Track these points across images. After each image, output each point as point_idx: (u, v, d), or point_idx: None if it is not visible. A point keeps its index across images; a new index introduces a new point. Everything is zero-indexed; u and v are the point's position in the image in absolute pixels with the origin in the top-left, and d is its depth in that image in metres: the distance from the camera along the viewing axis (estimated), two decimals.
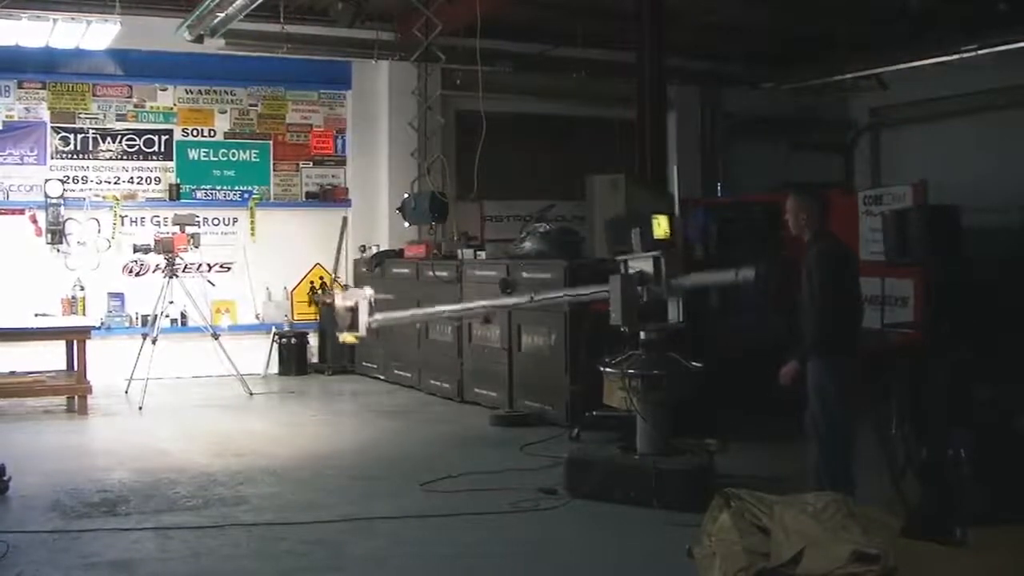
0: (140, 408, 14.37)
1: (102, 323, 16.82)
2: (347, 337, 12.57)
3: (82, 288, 16.92)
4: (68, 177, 17.08)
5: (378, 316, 12.36)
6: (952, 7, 16.64)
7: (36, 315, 15.95)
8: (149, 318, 15.93)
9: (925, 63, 17.92)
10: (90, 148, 17.32)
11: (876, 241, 13.59)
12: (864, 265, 14.02)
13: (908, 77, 19.11)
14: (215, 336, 15.80)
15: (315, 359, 18.20)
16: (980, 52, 16.78)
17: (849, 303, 8.70)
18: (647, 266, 9.61)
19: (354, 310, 12.14)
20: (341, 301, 12.77)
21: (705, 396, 10.29)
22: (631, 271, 9.72)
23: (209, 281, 17.24)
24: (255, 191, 18.26)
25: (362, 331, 12.25)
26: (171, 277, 15.47)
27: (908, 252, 10.10)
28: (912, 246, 9.93)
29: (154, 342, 15.02)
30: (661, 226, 9.67)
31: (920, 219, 10.12)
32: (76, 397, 14.33)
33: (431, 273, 15.32)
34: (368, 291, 12.49)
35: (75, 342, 14.62)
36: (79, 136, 17.28)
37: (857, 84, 20.67)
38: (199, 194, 17.95)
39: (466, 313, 13.17)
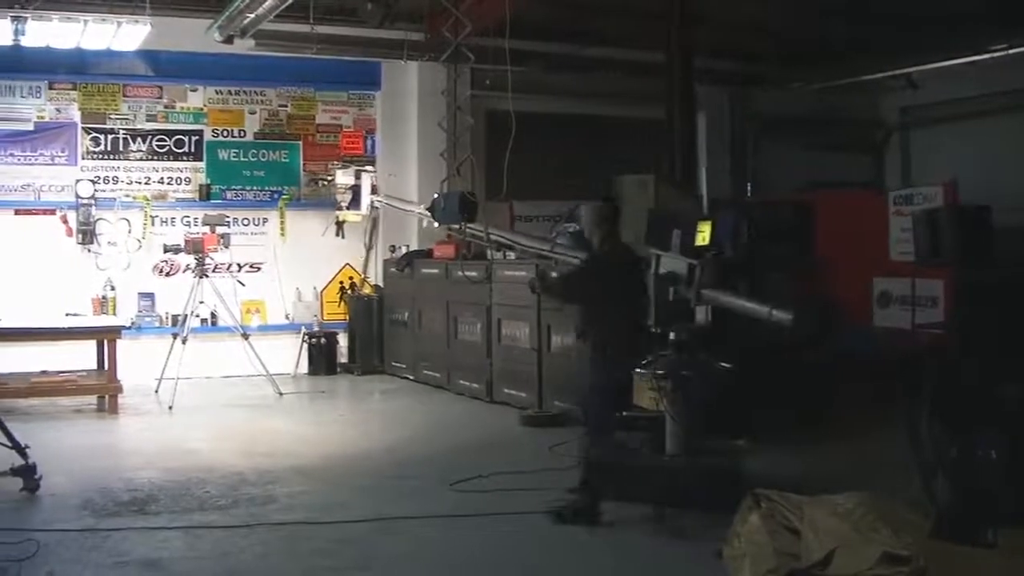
0: (170, 408, 14.43)
1: (132, 323, 16.89)
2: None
3: (112, 288, 17.01)
4: (99, 177, 17.19)
5: None
6: (982, 6, 16.55)
7: (67, 315, 16.03)
8: (179, 318, 15.98)
9: (955, 62, 17.85)
10: (120, 149, 17.42)
11: (906, 241, 13.55)
12: (894, 265, 14.04)
13: (938, 76, 19.04)
14: (245, 336, 15.83)
15: (344, 359, 18.22)
16: (1011, 51, 16.70)
17: (624, 308, 9.18)
18: (680, 268, 9.58)
19: None
20: None
21: (737, 396, 10.30)
22: (663, 270, 9.71)
23: (239, 281, 17.26)
24: (285, 191, 18.31)
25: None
26: (201, 277, 15.51)
27: (938, 252, 10.05)
28: (942, 246, 9.89)
29: (184, 342, 15.06)
30: (704, 234, 9.63)
31: (950, 219, 10.08)
32: (107, 396, 14.39)
33: (460, 273, 15.31)
34: None
35: (106, 342, 14.68)
36: (110, 137, 17.38)
37: (887, 84, 20.61)
38: (229, 194, 18.04)
39: None
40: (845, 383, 12.79)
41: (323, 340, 17.96)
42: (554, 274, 10.20)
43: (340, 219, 17.88)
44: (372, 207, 17.85)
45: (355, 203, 17.80)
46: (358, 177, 17.87)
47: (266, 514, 9.16)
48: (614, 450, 10.06)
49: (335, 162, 18.37)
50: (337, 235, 18.09)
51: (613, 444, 9.18)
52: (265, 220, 18.19)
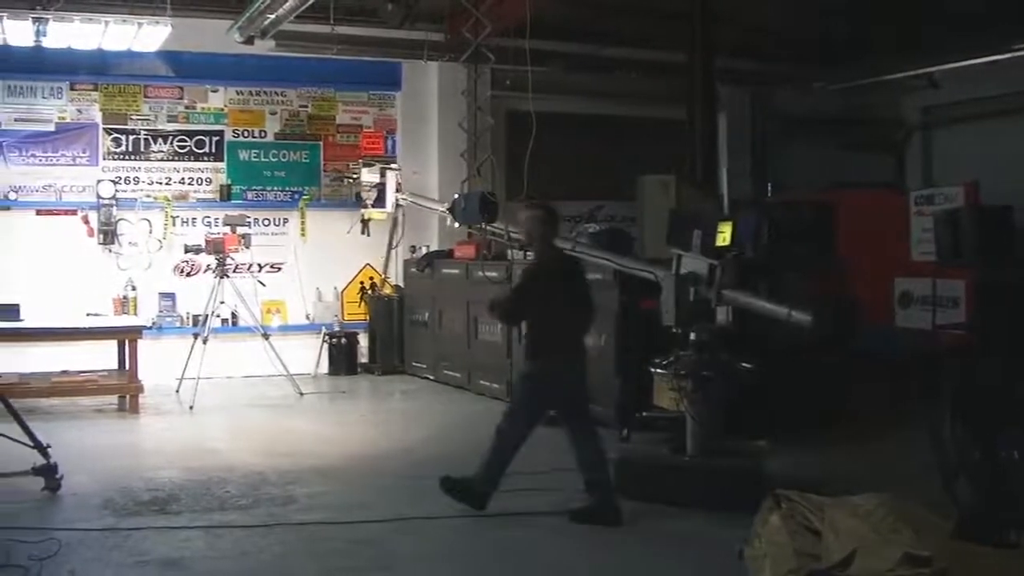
0: (191, 407, 14.45)
1: (153, 323, 16.95)
2: None
3: (133, 288, 17.04)
4: (120, 178, 17.22)
5: None
6: (1004, 5, 16.49)
7: (88, 315, 16.03)
8: (200, 318, 16.01)
9: (976, 62, 17.78)
10: (142, 149, 17.45)
11: (928, 241, 13.52)
12: (915, 265, 13.99)
13: (959, 76, 18.96)
14: (265, 336, 15.83)
15: (365, 359, 18.22)
16: None
17: (555, 315, 9.20)
18: (700, 268, 9.57)
19: None
20: None
21: (758, 396, 10.29)
22: (683, 270, 9.71)
23: (259, 281, 17.28)
24: (305, 192, 18.33)
25: None
26: (222, 277, 15.54)
27: (960, 252, 10.02)
28: (964, 246, 9.86)
29: (205, 342, 15.08)
30: (724, 235, 9.61)
31: (972, 219, 10.05)
32: (128, 396, 14.42)
33: (481, 273, 15.30)
34: None
35: (127, 342, 14.72)
36: (131, 137, 17.41)
37: (908, 83, 20.53)
38: (250, 195, 18.06)
39: None
40: (865, 383, 12.77)
41: (343, 340, 17.96)
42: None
43: (366, 217, 17.90)
44: (396, 205, 17.88)
45: (380, 201, 17.83)
46: (383, 175, 17.89)
47: (286, 514, 9.17)
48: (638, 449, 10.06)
49: (357, 162, 18.34)
50: (363, 233, 18.09)
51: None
52: (286, 220, 18.20)
